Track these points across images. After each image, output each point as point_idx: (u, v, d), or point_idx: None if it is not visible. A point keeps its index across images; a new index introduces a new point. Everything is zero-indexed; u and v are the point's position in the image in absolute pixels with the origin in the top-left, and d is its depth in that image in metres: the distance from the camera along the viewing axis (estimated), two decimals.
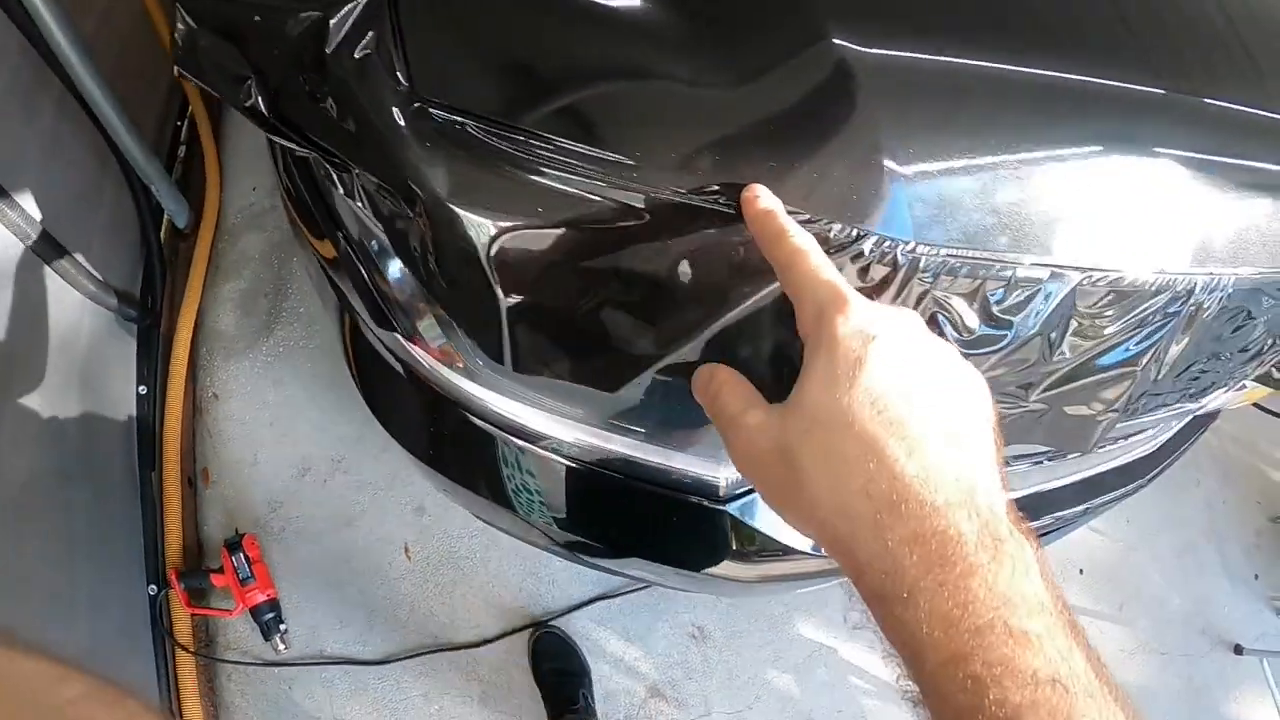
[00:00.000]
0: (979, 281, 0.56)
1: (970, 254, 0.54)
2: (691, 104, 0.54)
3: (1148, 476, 1.14)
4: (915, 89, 0.57)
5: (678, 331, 0.59)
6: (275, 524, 1.56)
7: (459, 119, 0.54)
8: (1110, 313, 0.65)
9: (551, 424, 0.84)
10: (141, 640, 1.39)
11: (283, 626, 1.49)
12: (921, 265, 0.53)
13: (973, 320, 0.57)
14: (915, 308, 0.56)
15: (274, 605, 1.49)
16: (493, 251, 0.56)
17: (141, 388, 1.53)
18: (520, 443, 0.86)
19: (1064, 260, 0.59)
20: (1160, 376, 0.78)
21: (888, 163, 0.52)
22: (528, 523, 0.93)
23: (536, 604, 1.58)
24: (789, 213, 0.47)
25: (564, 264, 0.57)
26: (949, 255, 0.54)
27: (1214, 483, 2.18)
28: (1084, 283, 0.60)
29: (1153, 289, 0.64)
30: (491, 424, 0.86)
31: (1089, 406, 0.77)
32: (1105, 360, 0.71)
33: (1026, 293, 0.58)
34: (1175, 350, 0.76)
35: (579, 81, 0.55)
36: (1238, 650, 2.01)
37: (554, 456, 0.86)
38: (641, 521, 0.90)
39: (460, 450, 0.93)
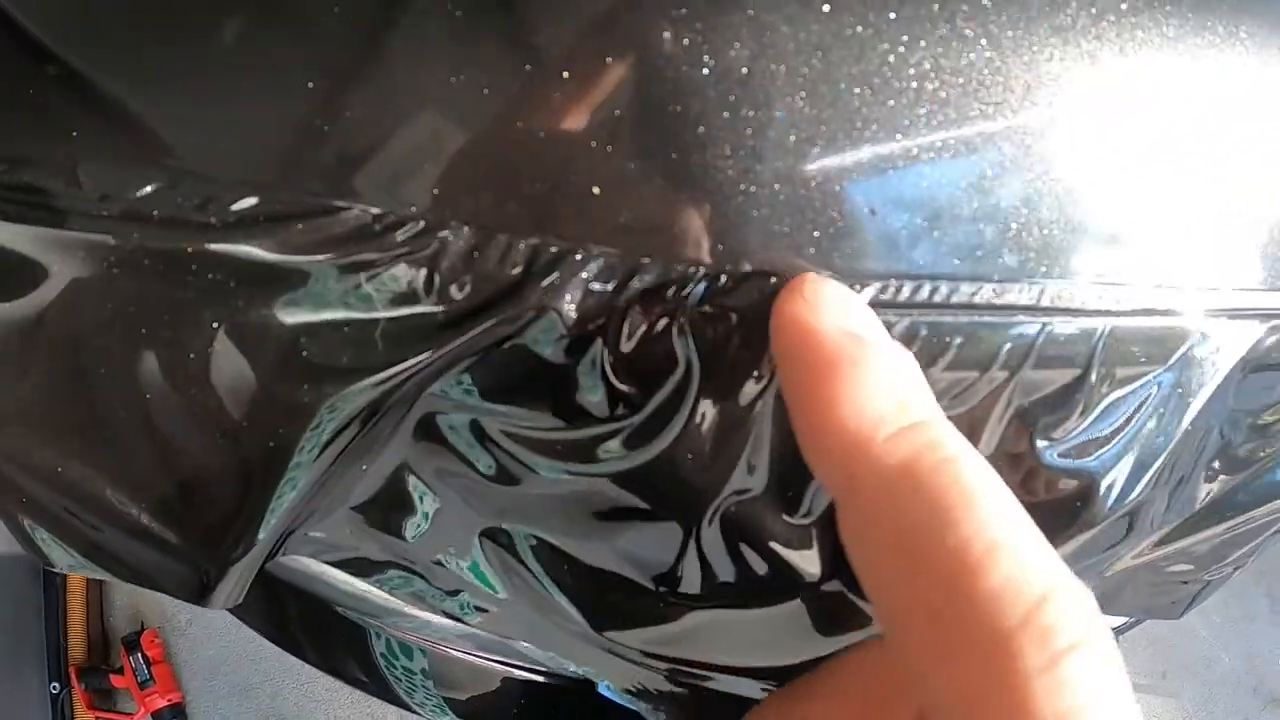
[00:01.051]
0: (984, 383, 0.15)
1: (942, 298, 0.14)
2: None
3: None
4: None
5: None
6: (182, 618, 1.31)
7: None
8: None
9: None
10: None
11: None
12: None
13: None
14: None
15: (178, 710, 1.25)
16: None
17: None
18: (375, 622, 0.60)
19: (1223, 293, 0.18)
20: None
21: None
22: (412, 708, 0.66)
23: None
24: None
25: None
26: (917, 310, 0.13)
27: None
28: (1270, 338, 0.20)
29: None
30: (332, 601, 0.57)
31: (1206, 564, 0.37)
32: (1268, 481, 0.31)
33: (1116, 390, 0.18)
34: None
35: None
36: None
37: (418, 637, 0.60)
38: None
39: (314, 628, 0.66)
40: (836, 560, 0.19)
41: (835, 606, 0.23)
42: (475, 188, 0.12)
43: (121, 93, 0.17)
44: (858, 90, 0.12)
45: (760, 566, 0.19)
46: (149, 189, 0.16)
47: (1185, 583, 0.40)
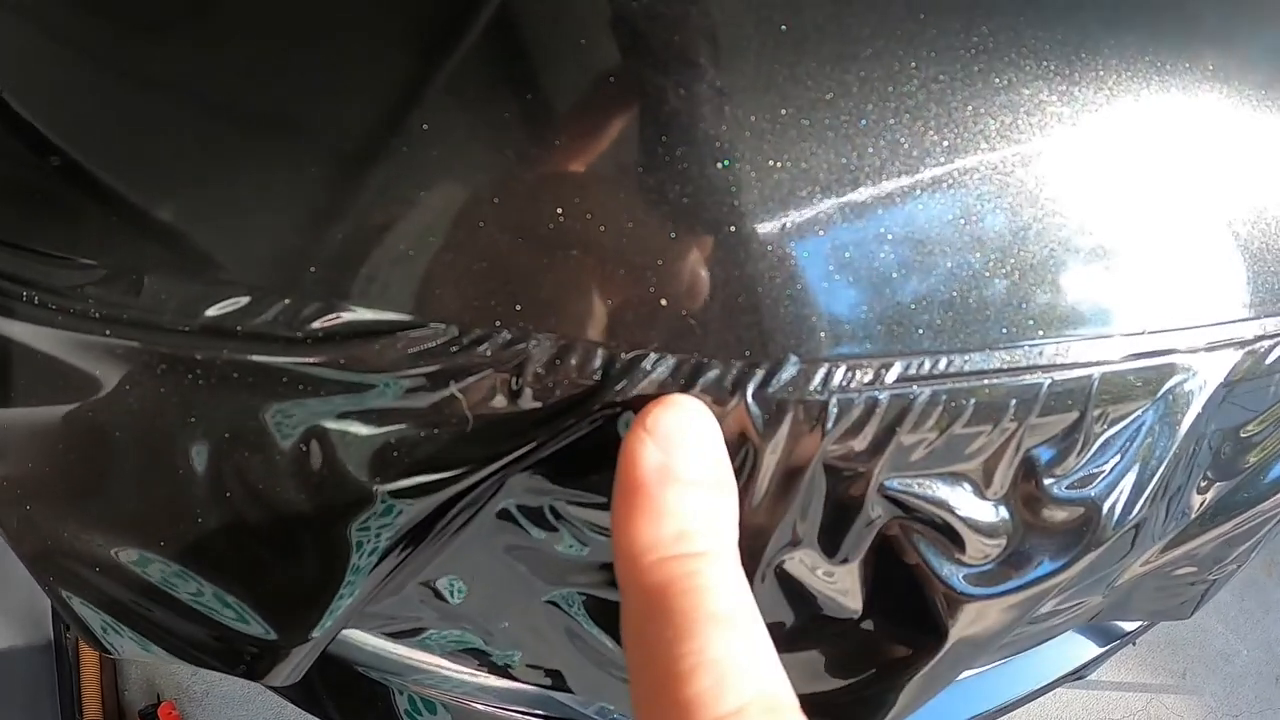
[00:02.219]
0: (978, 432, 0.17)
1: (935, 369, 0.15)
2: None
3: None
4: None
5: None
6: (198, 688, 1.28)
7: None
8: None
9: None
10: None
11: None
12: (832, 414, 0.15)
13: (986, 517, 0.19)
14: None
15: None
16: None
17: None
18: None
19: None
20: None
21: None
22: None
23: None
24: None
25: None
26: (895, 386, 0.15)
27: None
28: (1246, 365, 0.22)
29: None
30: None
31: (1209, 564, 0.38)
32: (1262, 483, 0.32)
33: (1111, 427, 0.19)
34: None
35: None
36: None
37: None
38: None
39: (338, 689, 0.66)
40: (874, 598, 0.21)
41: (869, 640, 0.24)
42: (555, 305, 0.14)
43: (183, 211, 0.19)
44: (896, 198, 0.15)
45: (808, 609, 0.21)
46: (236, 305, 0.18)
47: (1192, 584, 0.42)
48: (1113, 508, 0.22)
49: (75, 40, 0.21)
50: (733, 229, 0.14)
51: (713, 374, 0.15)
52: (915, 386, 0.15)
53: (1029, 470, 0.19)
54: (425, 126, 0.15)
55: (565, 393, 0.15)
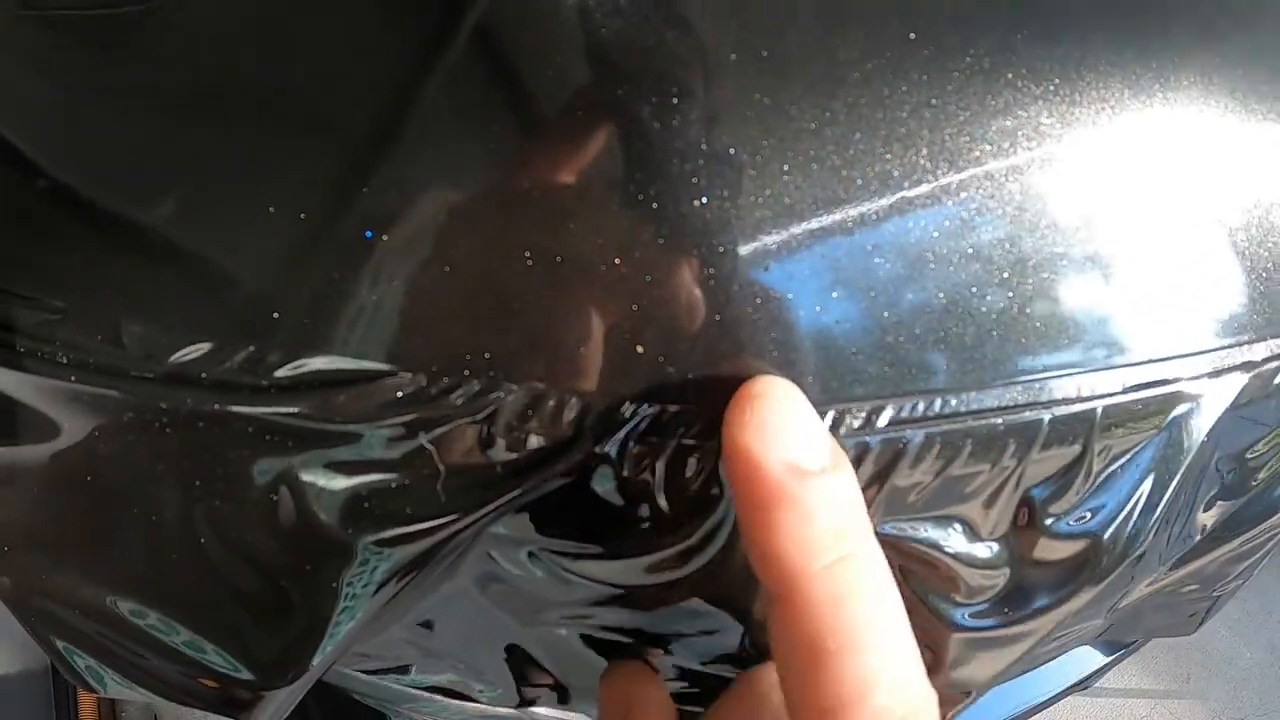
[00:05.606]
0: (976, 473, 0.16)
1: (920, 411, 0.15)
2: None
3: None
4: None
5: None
6: (198, 711, 1.20)
7: None
8: None
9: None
10: None
11: None
12: None
13: (982, 556, 0.18)
14: None
15: None
16: None
17: None
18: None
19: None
20: None
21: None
22: None
23: None
24: None
25: None
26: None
27: None
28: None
29: None
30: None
31: (1213, 582, 0.37)
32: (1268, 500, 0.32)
33: (1114, 462, 0.19)
34: None
35: None
36: None
37: None
38: None
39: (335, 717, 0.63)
40: None
41: None
42: (526, 352, 0.14)
43: (164, 245, 0.18)
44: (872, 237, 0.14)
45: None
46: (199, 351, 0.17)
47: (1196, 601, 0.41)
48: (1115, 541, 0.21)
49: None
50: (712, 270, 0.13)
51: (697, 427, 0.14)
52: (909, 430, 0.15)
53: (1028, 508, 0.18)
54: (390, 174, 0.15)
55: (539, 444, 0.14)
